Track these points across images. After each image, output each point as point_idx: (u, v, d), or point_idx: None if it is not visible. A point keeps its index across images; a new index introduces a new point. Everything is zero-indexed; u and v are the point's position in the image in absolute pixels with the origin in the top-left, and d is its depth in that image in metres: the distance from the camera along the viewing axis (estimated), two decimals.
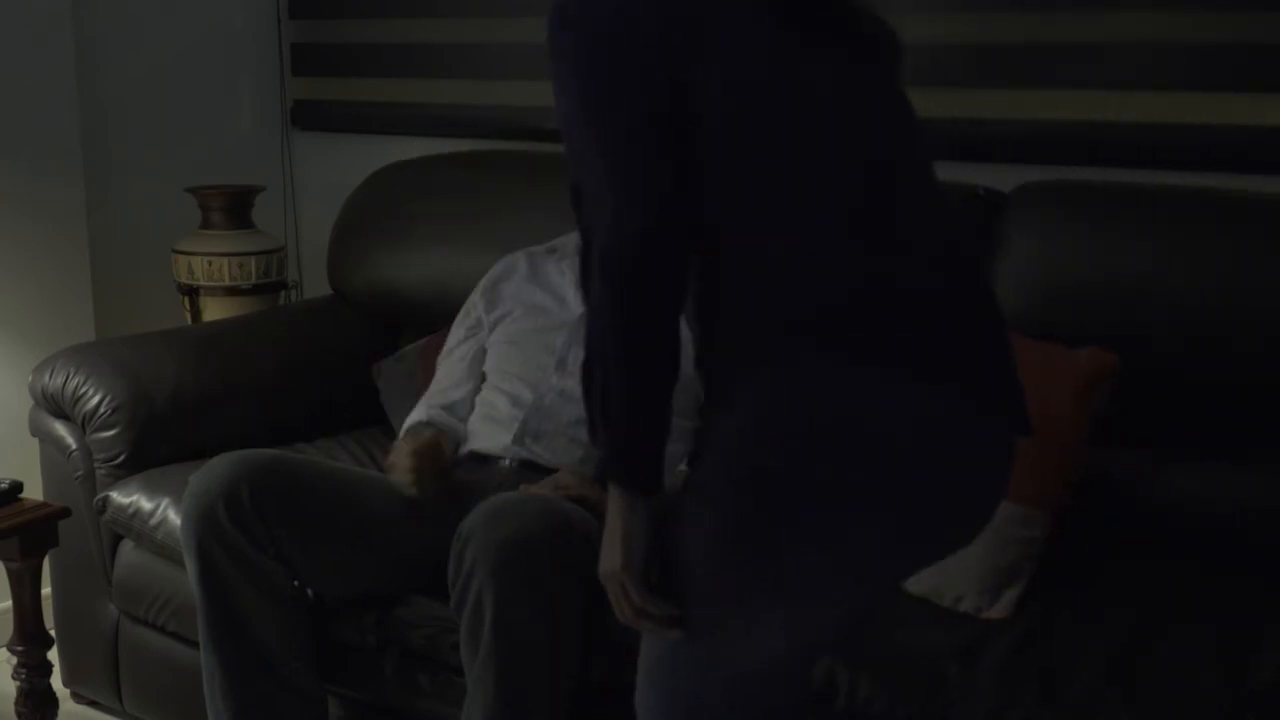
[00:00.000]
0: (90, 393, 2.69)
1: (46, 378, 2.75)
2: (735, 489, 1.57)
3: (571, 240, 2.62)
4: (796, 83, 1.58)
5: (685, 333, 1.60)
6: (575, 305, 2.50)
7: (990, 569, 2.10)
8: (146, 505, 2.59)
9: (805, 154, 1.58)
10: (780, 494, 1.55)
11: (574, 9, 1.57)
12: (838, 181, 1.59)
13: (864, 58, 1.64)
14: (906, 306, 1.58)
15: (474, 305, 2.65)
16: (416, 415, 2.54)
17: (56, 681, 2.72)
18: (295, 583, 2.30)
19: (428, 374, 2.68)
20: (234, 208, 3.34)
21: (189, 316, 3.34)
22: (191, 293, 3.32)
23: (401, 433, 2.53)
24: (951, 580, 2.09)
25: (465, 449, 2.45)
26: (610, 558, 1.63)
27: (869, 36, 1.67)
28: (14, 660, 2.62)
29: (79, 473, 2.72)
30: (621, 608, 1.64)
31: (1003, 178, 2.56)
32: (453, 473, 2.33)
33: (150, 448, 2.70)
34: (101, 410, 2.68)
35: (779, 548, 1.57)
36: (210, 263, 3.28)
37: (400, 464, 2.30)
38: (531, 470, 2.36)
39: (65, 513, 2.60)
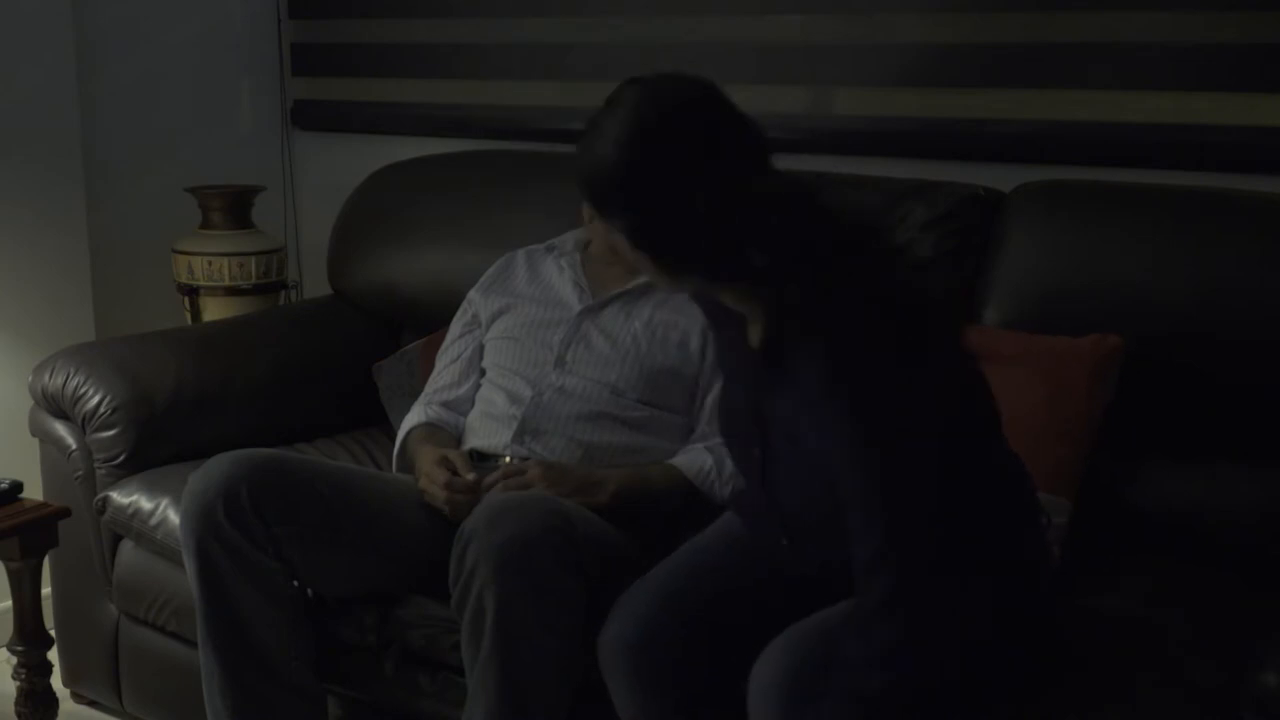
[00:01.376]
0: (90, 393, 2.69)
1: (46, 378, 2.74)
2: None
3: (570, 238, 2.62)
4: None
5: None
6: (573, 303, 2.50)
7: None
8: (146, 505, 2.59)
9: None
10: None
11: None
12: None
13: None
14: None
15: (471, 302, 2.65)
16: (415, 415, 2.54)
17: (56, 681, 2.72)
18: (295, 583, 2.29)
19: (427, 374, 2.67)
20: (234, 208, 3.34)
21: (189, 316, 3.34)
22: (191, 293, 3.32)
23: (402, 432, 2.53)
24: None
25: (465, 446, 2.44)
26: None
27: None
28: (14, 660, 2.62)
29: (79, 473, 2.72)
30: None
31: (1003, 178, 2.56)
32: (483, 491, 2.29)
33: (150, 448, 2.69)
34: (101, 410, 2.68)
35: None
36: (210, 263, 3.28)
37: (436, 481, 2.29)
38: None
39: (65, 513, 2.60)
